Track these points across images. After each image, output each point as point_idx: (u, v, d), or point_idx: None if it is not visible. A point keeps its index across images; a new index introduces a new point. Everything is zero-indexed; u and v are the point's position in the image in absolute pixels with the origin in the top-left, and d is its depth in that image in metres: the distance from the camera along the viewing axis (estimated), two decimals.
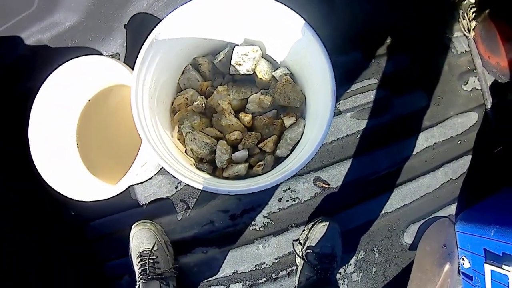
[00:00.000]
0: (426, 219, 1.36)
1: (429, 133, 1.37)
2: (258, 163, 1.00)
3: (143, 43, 0.86)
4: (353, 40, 1.34)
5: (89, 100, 1.14)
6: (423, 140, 1.36)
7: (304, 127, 1.04)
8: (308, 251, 1.11)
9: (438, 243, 1.35)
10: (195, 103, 1.02)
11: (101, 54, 1.25)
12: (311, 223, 1.20)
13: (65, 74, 0.98)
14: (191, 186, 0.96)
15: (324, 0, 1.31)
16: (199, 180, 0.86)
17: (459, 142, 1.40)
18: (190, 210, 1.23)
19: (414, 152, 1.35)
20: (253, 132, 1.02)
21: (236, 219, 1.25)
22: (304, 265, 1.12)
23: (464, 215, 1.36)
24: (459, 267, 1.41)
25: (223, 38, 1.05)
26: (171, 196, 1.25)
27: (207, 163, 1.02)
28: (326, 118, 0.84)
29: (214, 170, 1.04)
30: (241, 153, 1.00)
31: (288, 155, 1.03)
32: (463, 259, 1.37)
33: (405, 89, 1.35)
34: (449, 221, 1.39)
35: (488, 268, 1.17)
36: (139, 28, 1.26)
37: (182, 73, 1.09)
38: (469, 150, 1.41)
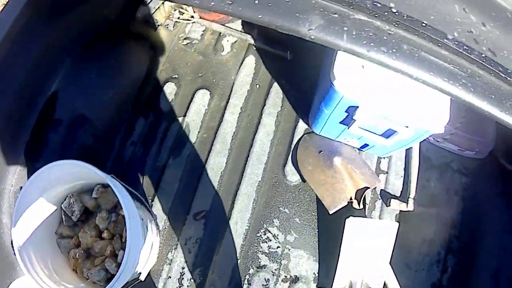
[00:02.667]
0: (290, 153, 1.49)
1: (231, 107, 1.55)
2: None
3: None
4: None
5: None
6: (231, 116, 1.54)
7: None
8: None
9: (313, 156, 1.46)
10: (78, 255, 1.27)
11: None
12: None
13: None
14: None
15: None
16: None
17: (257, 86, 1.57)
18: None
19: (233, 130, 1.53)
20: (114, 237, 1.27)
21: None
22: None
23: (310, 118, 1.46)
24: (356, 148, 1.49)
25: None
26: None
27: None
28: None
29: None
30: (120, 255, 1.21)
31: None
32: (347, 141, 1.46)
33: (188, 103, 1.58)
34: (308, 135, 1.51)
35: (355, 128, 1.23)
36: None
37: (59, 246, 1.35)
38: (270, 81, 1.58)
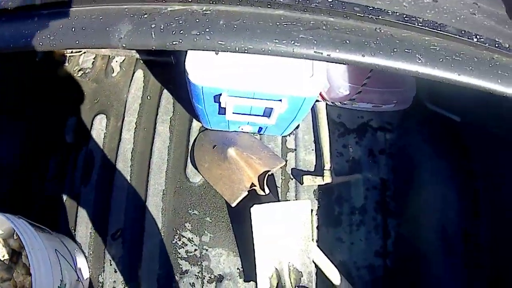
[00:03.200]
0: (188, 156, 1.49)
1: (126, 124, 1.58)
2: None
3: None
4: None
5: None
6: (127, 132, 1.57)
7: None
8: None
9: (208, 152, 1.44)
10: None
11: None
12: None
13: None
14: None
15: None
16: None
17: (149, 98, 1.59)
18: None
19: (131, 147, 1.56)
20: None
21: None
22: None
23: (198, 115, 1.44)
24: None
25: None
26: None
27: None
28: None
29: None
30: None
31: None
32: (242, 129, 1.43)
33: (87, 132, 1.63)
34: (203, 133, 1.50)
35: (230, 115, 1.21)
36: None
37: None
38: (159, 90, 1.60)
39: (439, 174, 1.45)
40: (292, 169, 1.45)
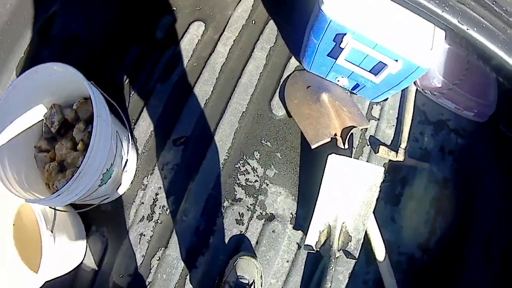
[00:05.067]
0: (279, 88, 1.46)
1: (224, 39, 1.54)
2: None
3: None
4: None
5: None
6: (223, 47, 1.53)
7: None
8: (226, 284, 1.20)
9: (301, 91, 1.43)
10: (51, 167, 1.25)
11: None
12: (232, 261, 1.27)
13: None
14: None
15: None
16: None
17: (253, 22, 1.57)
18: (125, 240, 1.36)
19: (223, 60, 1.51)
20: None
21: (153, 218, 1.36)
22: None
23: (301, 54, 1.43)
24: (347, 89, 1.45)
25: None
26: (107, 246, 1.35)
27: None
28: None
29: None
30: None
31: None
32: (338, 80, 1.43)
33: (182, 34, 1.57)
34: (298, 71, 1.48)
35: (342, 61, 1.22)
36: None
37: (36, 161, 1.34)
38: (266, 19, 1.57)
39: (499, 189, 1.49)
40: (370, 136, 1.46)
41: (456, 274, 1.39)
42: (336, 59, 1.25)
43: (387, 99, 1.50)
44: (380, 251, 1.32)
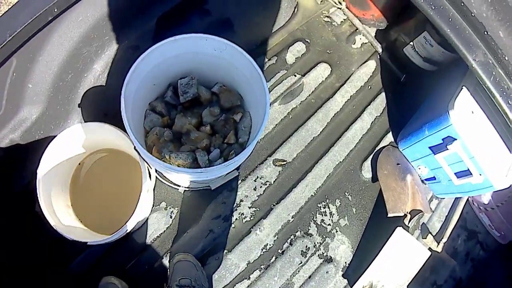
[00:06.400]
0: (373, 154, 1.63)
1: (343, 91, 1.69)
2: (229, 154, 1.26)
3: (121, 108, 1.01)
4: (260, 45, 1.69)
5: (79, 164, 1.35)
6: (341, 98, 1.68)
7: (250, 116, 1.31)
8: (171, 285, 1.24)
9: (392, 165, 1.61)
10: (165, 134, 1.28)
11: None
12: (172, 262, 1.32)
13: (62, 141, 1.15)
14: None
15: None
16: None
17: (369, 87, 1.73)
18: (191, 229, 1.44)
19: (338, 110, 1.66)
20: (216, 135, 1.30)
21: (229, 220, 1.46)
22: None
23: (401, 135, 1.63)
24: (421, 178, 1.66)
25: (166, 80, 1.32)
26: (170, 226, 1.43)
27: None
28: (264, 103, 1.10)
29: None
30: (215, 152, 1.25)
31: (248, 139, 1.29)
32: (419, 168, 1.62)
33: (310, 68, 1.71)
34: (392, 147, 1.67)
35: (439, 157, 1.41)
36: (92, 103, 1.35)
37: (144, 118, 1.32)
38: (380, 89, 1.73)
39: None
40: (423, 223, 1.67)
41: None
42: (435, 153, 1.45)
43: (444, 198, 1.73)
44: None
